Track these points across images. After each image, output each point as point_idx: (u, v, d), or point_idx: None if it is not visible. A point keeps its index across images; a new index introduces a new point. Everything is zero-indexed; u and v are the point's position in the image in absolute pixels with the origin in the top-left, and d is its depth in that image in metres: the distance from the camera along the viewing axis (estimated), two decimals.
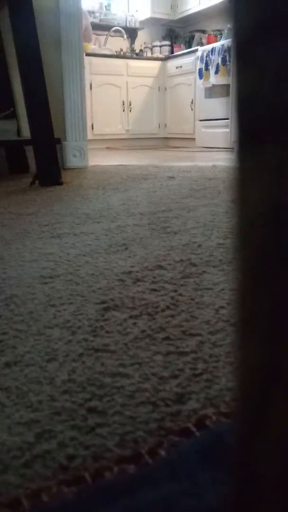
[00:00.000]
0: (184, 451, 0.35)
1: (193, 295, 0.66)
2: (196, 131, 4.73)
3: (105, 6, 5.17)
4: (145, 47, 5.44)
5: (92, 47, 5.02)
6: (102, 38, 5.23)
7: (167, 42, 5.45)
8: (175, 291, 0.67)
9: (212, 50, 4.27)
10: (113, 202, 1.42)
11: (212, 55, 4.26)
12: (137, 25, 5.31)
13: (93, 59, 4.66)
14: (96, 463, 0.34)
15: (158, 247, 0.90)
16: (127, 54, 5.25)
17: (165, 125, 5.24)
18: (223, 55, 4.11)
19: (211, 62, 4.27)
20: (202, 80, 4.45)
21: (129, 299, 0.65)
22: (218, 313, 0.59)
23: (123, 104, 4.96)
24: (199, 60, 4.46)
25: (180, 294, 0.66)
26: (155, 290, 0.68)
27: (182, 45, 5.31)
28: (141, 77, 5.02)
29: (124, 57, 5.01)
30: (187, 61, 4.73)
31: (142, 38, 5.46)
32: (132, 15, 5.25)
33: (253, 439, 0.19)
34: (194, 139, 4.79)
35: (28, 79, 1.79)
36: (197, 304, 0.62)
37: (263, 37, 0.16)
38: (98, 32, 5.20)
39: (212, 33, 4.89)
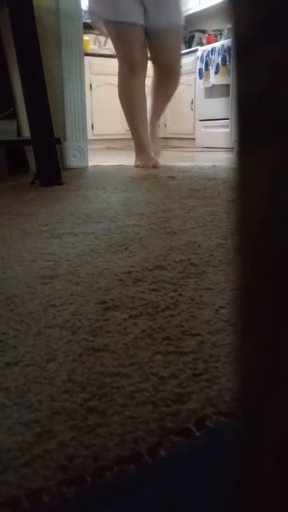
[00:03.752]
0: (184, 451, 0.35)
1: (193, 295, 0.66)
2: (196, 131, 4.73)
3: None
4: None
5: (92, 47, 5.02)
6: (102, 38, 5.22)
7: None
8: (175, 291, 0.67)
9: (212, 50, 4.27)
10: (113, 202, 1.42)
11: (212, 55, 4.26)
12: None
13: (93, 59, 4.66)
14: (96, 463, 0.34)
15: (158, 247, 0.90)
16: None
17: (165, 125, 5.23)
18: (223, 55, 4.11)
19: (211, 62, 4.27)
20: (202, 80, 4.45)
21: (129, 299, 0.65)
22: (218, 313, 0.59)
23: None
24: (199, 60, 4.46)
25: (180, 294, 0.66)
26: (155, 290, 0.68)
27: (182, 45, 5.31)
28: None
29: None
30: (187, 61, 4.73)
31: None
32: None
33: (253, 439, 0.19)
34: (194, 139, 4.79)
35: (28, 79, 1.79)
36: (197, 304, 0.62)
37: (263, 37, 0.16)
38: (98, 32, 5.20)
39: (212, 33, 4.89)
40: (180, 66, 2.51)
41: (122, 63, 2.35)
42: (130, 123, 2.49)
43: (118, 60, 2.38)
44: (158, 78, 2.47)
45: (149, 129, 2.53)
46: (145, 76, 2.45)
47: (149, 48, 2.36)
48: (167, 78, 2.44)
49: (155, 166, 2.38)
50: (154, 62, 2.43)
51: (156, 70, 2.47)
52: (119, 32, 2.28)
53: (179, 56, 2.48)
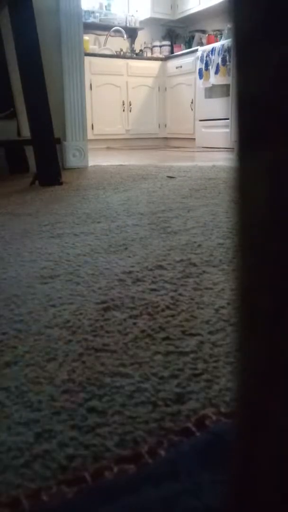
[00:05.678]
0: (184, 451, 0.35)
1: (193, 295, 0.66)
2: (196, 131, 4.73)
3: (105, 6, 5.17)
4: (145, 47, 5.44)
5: (92, 47, 5.02)
6: (102, 38, 5.22)
7: (167, 42, 5.45)
8: (175, 291, 0.67)
9: (212, 50, 4.27)
10: (113, 202, 1.42)
11: (212, 55, 4.26)
12: (137, 25, 5.30)
13: (93, 59, 4.66)
14: (96, 463, 0.34)
15: (158, 247, 0.90)
16: (127, 54, 5.25)
17: (165, 125, 5.23)
18: (223, 55, 4.11)
19: (211, 62, 4.27)
20: (202, 80, 4.45)
21: (129, 299, 0.65)
22: (218, 313, 0.59)
23: (123, 104, 4.96)
24: (199, 60, 4.46)
25: (180, 294, 0.66)
26: (155, 290, 0.68)
27: (182, 45, 5.31)
28: (141, 77, 5.01)
29: (124, 57, 5.01)
30: (187, 61, 4.73)
31: (142, 38, 5.46)
32: (132, 15, 5.25)
33: (253, 439, 0.19)
34: (194, 139, 4.79)
35: (28, 79, 1.79)
36: (197, 304, 0.62)
37: (263, 37, 0.16)
38: (98, 32, 5.20)
39: (212, 33, 4.89)
40: None
41: None
42: None
43: None
44: None
45: None
46: None
47: None
48: None
49: None
50: None
51: None
52: None
53: None
